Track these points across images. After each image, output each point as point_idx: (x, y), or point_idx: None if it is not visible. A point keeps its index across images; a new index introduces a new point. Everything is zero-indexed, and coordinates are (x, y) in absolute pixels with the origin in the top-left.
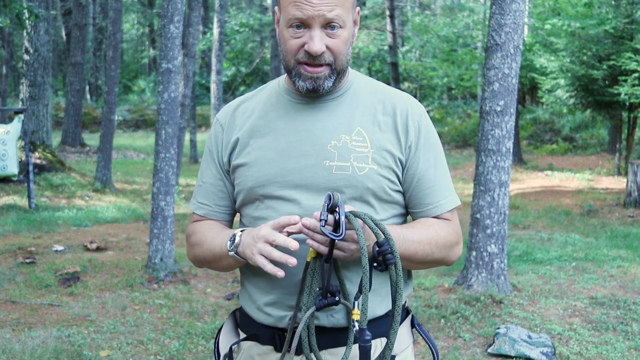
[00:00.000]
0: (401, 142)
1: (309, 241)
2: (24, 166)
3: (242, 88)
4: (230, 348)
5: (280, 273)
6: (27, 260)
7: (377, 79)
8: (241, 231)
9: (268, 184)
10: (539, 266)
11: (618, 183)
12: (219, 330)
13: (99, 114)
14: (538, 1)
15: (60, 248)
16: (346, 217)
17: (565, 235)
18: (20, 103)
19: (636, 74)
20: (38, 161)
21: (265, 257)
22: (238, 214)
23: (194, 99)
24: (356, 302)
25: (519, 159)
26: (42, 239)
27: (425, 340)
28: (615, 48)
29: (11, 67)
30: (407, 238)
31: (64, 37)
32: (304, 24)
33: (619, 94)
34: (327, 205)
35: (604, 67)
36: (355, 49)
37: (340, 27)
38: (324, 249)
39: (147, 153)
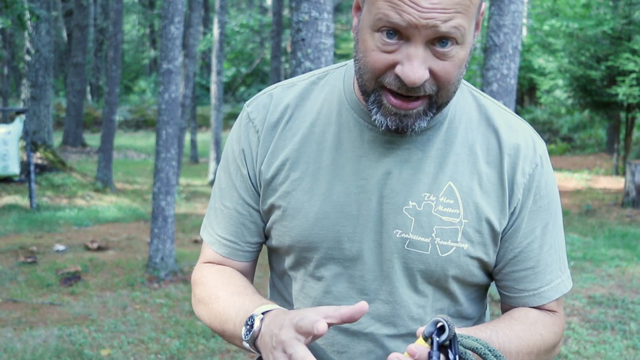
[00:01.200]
0: (504, 205)
1: None
2: (25, 166)
3: (242, 88)
4: None
5: None
6: (29, 260)
7: None
8: (262, 315)
9: (313, 248)
10: None
11: (616, 183)
12: None
13: (100, 114)
14: (537, 2)
15: (61, 248)
16: (460, 356)
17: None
18: (22, 103)
19: (634, 75)
20: (39, 161)
21: None
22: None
23: (194, 100)
24: None
25: None
26: (44, 239)
27: None
28: (613, 49)
29: (12, 67)
30: (505, 348)
31: (65, 37)
32: (400, 33)
33: (617, 95)
34: (438, 341)
35: (602, 67)
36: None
37: (457, 43)
38: None
39: (148, 153)
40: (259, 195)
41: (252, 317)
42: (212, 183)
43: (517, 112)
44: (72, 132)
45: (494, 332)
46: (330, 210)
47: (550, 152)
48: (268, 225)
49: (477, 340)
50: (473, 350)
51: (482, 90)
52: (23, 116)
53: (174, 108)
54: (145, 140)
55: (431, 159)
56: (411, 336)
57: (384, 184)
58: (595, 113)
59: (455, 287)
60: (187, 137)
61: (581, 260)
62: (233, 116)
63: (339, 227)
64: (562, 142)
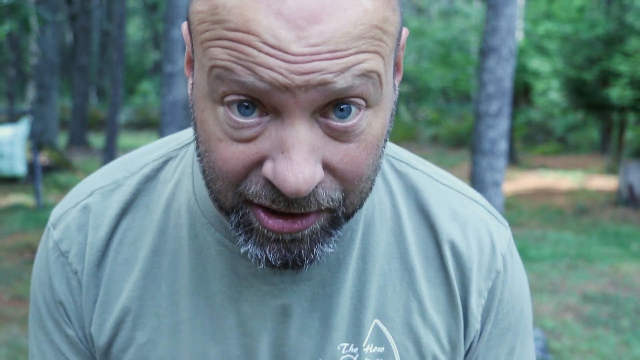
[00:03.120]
0: (460, 342)
1: None
2: (31, 166)
3: None
4: None
5: None
6: (34, 258)
7: None
8: None
9: None
10: (532, 263)
11: (609, 183)
12: None
13: (105, 116)
14: (531, 5)
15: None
16: None
17: (557, 234)
18: (29, 105)
19: (626, 77)
20: (45, 161)
21: None
22: None
23: None
24: None
25: (512, 160)
26: None
27: None
28: (606, 51)
29: (19, 70)
30: None
31: (71, 40)
32: (261, 104)
33: (610, 96)
34: None
35: (596, 70)
36: None
37: (368, 105)
38: None
39: None
40: None
41: None
42: None
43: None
44: (77, 133)
45: None
46: None
47: (545, 153)
48: None
49: None
50: None
51: (478, 92)
52: (29, 117)
53: (176, 110)
54: (148, 141)
55: (345, 290)
56: None
57: (278, 339)
58: (589, 114)
59: None
60: None
61: (575, 259)
62: None
63: None
64: (556, 143)
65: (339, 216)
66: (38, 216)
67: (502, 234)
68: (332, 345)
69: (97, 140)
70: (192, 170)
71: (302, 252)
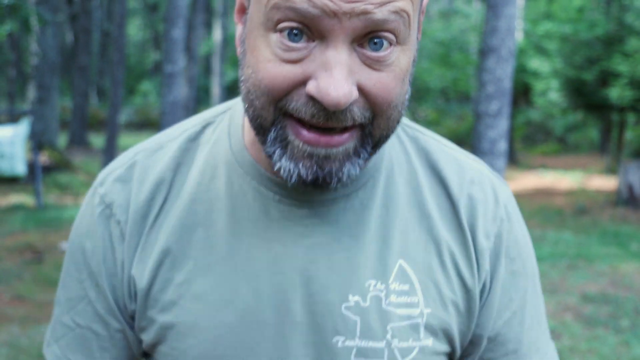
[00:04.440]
0: (470, 275)
1: None
2: (31, 166)
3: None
4: None
5: None
6: (35, 258)
7: None
8: None
9: None
10: None
11: (609, 183)
12: None
13: (105, 116)
14: (531, 5)
15: (67, 246)
16: None
17: (557, 234)
18: (29, 105)
19: (625, 77)
20: (45, 161)
21: None
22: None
23: (196, 102)
24: None
25: (512, 160)
26: (49, 237)
27: None
28: (605, 51)
29: (19, 70)
30: None
31: (71, 41)
32: (310, 31)
33: (609, 96)
34: None
35: (595, 70)
36: None
37: (398, 42)
38: None
39: None
40: (128, 310)
41: None
42: None
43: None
44: (78, 133)
45: None
46: (236, 321)
47: (545, 153)
48: (148, 349)
49: None
50: None
51: (478, 92)
52: (30, 117)
53: (176, 110)
54: None
55: (370, 232)
56: None
57: (309, 276)
58: (588, 114)
59: None
60: None
61: (575, 258)
62: None
63: (252, 344)
64: (556, 143)
65: (368, 136)
66: (38, 216)
67: (504, 188)
68: (360, 282)
69: (97, 140)
70: (229, 130)
71: (333, 169)
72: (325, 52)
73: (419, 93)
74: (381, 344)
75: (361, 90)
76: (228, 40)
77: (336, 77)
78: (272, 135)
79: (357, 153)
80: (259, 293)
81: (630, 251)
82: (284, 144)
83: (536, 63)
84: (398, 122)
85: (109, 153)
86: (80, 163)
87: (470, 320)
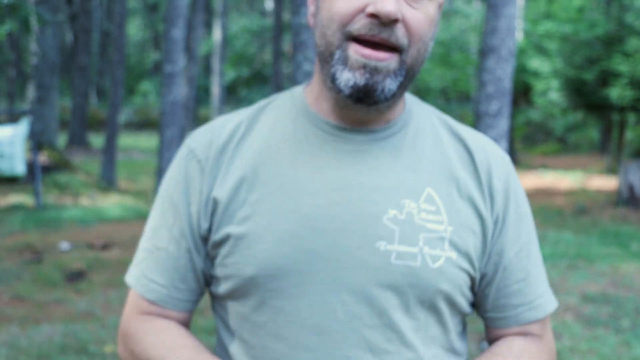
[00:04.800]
0: (486, 211)
1: None
2: (31, 166)
3: (243, 91)
4: None
5: None
6: (34, 258)
7: None
8: None
9: (282, 274)
10: None
11: (609, 183)
12: None
13: (105, 116)
14: (531, 5)
15: (66, 246)
16: None
17: (557, 234)
18: (29, 105)
19: (626, 77)
20: (45, 161)
21: None
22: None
23: (196, 102)
24: None
25: (512, 160)
26: (49, 237)
27: None
28: (606, 51)
29: (19, 70)
30: None
31: (71, 41)
32: None
33: (610, 96)
34: None
35: (595, 70)
36: None
37: None
38: None
39: (151, 153)
40: (200, 230)
41: None
42: None
43: (512, 114)
44: (77, 133)
45: None
46: (299, 228)
47: (545, 153)
48: (220, 260)
49: None
50: None
51: (478, 92)
52: (29, 117)
53: (176, 110)
54: (148, 140)
55: (403, 165)
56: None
57: (357, 194)
58: (589, 114)
59: (444, 308)
60: None
61: (575, 259)
62: None
63: (312, 246)
64: (556, 143)
65: (403, 62)
66: (38, 216)
67: (505, 155)
68: (397, 200)
69: (97, 140)
70: (291, 97)
71: (379, 80)
72: None
73: (419, 93)
74: (415, 250)
75: (403, 20)
76: (228, 40)
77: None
78: (337, 56)
79: (395, 73)
80: (317, 206)
81: (630, 251)
82: (345, 60)
83: (536, 63)
84: (423, 60)
85: (109, 153)
86: (80, 163)
87: (484, 245)
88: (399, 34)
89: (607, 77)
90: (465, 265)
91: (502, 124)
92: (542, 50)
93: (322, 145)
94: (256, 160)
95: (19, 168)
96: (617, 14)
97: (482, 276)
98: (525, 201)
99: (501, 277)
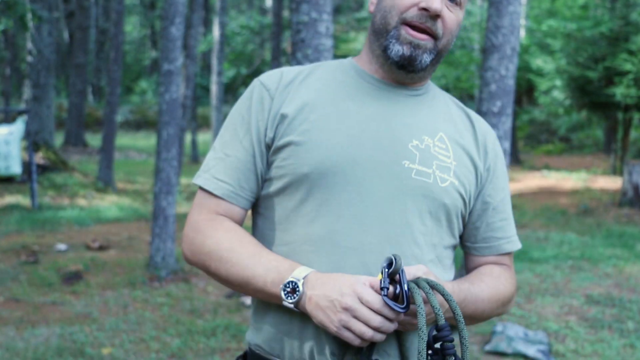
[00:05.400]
0: (481, 163)
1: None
2: (27, 166)
3: (242, 89)
4: None
5: (357, 342)
6: (30, 259)
7: None
8: (303, 279)
9: (330, 174)
10: (536, 265)
11: (613, 183)
12: None
13: (102, 115)
14: (535, 3)
15: (63, 247)
16: (409, 287)
17: (561, 235)
18: (24, 104)
19: (631, 75)
20: (41, 161)
21: (355, 333)
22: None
23: (195, 100)
24: None
25: (515, 159)
26: (45, 238)
27: None
28: (610, 49)
29: (14, 68)
30: (478, 297)
31: (67, 38)
32: None
33: (615, 95)
34: (388, 272)
35: (600, 68)
36: (353, 51)
37: (460, 5)
38: (388, 327)
39: (149, 153)
40: (265, 147)
41: (293, 282)
42: None
43: (515, 113)
44: (74, 133)
45: (470, 283)
46: (346, 141)
47: (548, 152)
48: (278, 162)
49: (428, 281)
50: (418, 285)
51: (481, 90)
52: (25, 116)
53: (174, 108)
54: (146, 140)
55: (424, 114)
56: (414, 260)
57: (392, 125)
58: (593, 113)
59: (444, 221)
60: (188, 137)
61: (579, 260)
62: None
63: (354, 156)
64: (560, 142)
65: (436, 46)
66: (34, 217)
67: (492, 130)
68: (419, 135)
69: (93, 139)
70: (342, 61)
71: (419, 53)
72: None
73: None
74: (429, 171)
75: (442, 17)
76: (226, 38)
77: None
78: (392, 33)
79: (430, 51)
80: (361, 129)
81: (635, 252)
82: (398, 36)
83: (540, 61)
84: (448, 49)
85: (106, 153)
86: (77, 163)
87: (477, 186)
88: (438, 26)
89: (611, 76)
90: (463, 192)
91: (505, 123)
92: (545, 48)
93: (367, 91)
94: (317, 93)
95: (15, 168)
96: (622, 11)
97: (474, 212)
98: (505, 169)
99: (491, 215)
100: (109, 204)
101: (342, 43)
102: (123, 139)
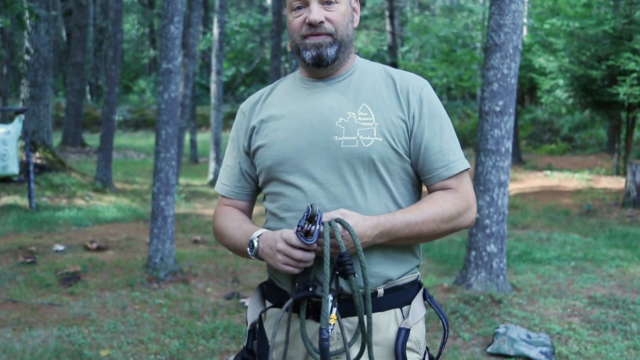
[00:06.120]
0: (404, 114)
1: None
2: (24, 166)
3: (242, 88)
4: (260, 315)
5: (297, 271)
6: (28, 260)
7: None
8: (257, 237)
9: (285, 162)
10: (538, 266)
11: (617, 183)
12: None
13: (100, 114)
14: (537, 1)
15: (60, 248)
16: (321, 225)
17: (564, 235)
18: (21, 103)
19: (635, 74)
20: (39, 161)
21: (290, 265)
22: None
23: (194, 99)
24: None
25: (518, 159)
26: (43, 239)
27: (436, 311)
28: (614, 48)
29: (12, 67)
30: (410, 222)
31: (65, 37)
32: (302, 4)
33: (618, 94)
34: (306, 215)
35: (603, 67)
36: (355, 49)
37: (336, 2)
38: (309, 257)
39: (148, 153)
40: (246, 154)
41: (251, 241)
42: (211, 183)
43: (517, 112)
44: (72, 132)
45: (402, 212)
46: (292, 135)
47: (551, 152)
48: (256, 162)
49: (338, 221)
50: (342, 224)
51: (483, 89)
52: (22, 116)
53: (173, 108)
54: (144, 140)
55: (349, 93)
56: (356, 208)
57: (322, 111)
58: (596, 113)
59: (383, 172)
60: (187, 137)
61: (582, 261)
62: (233, 116)
63: (299, 143)
64: (562, 142)
65: (335, 39)
66: (31, 217)
67: (422, 80)
68: (343, 112)
69: (91, 139)
70: (294, 73)
71: (322, 51)
72: (309, 7)
73: None
74: (354, 138)
75: (326, 18)
76: (226, 37)
77: (314, 12)
78: (301, 47)
79: (331, 45)
80: (300, 122)
81: (638, 253)
82: (304, 46)
83: (542, 60)
84: (349, 34)
85: (104, 152)
86: (74, 163)
87: (407, 130)
88: (326, 26)
89: (615, 75)
90: (390, 143)
91: (507, 122)
92: (548, 47)
93: (303, 91)
94: (273, 106)
95: (12, 168)
96: (625, 10)
97: (414, 152)
98: (438, 106)
99: (424, 152)
100: (107, 204)
101: None
102: (121, 139)
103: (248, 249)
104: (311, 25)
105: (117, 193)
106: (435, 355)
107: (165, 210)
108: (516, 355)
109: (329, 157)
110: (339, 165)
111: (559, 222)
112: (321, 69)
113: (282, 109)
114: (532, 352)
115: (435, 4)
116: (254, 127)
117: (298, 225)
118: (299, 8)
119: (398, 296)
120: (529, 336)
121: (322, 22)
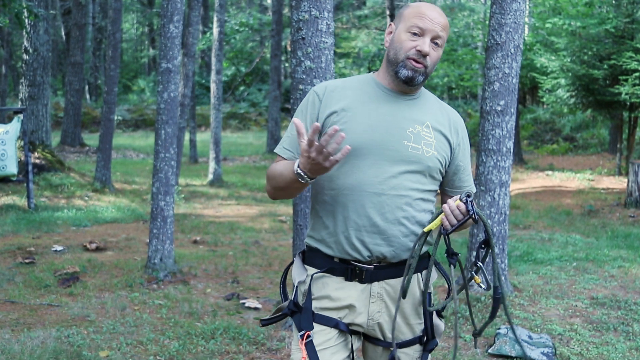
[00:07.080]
0: (453, 140)
1: (449, 217)
2: (23, 166)
3: (242, 88)
4: (312, 276)
5: (328, 164)
6: (27, 261)
7: None
8: (297, 166)
9: (358, 148)
10: (540, 266)
11: (619, 183)
12: (286, 271)
13: (99, 114)
14: (539, 0)
15: (59, 248)
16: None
17: (565, 236)
18: (20, 103)
19: (637, 74)
20: (37, 161)
21: (328, 156)
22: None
23: (193, 99)
24: (479, 267)
25: (519, 159)
26: (42, 239)
27: (443, 275)
28: (616, 47)
29: (10, 66)
30: None
31: (64, 36)
32: (420, 33)
33: (620, 94)
34: (468, 199)
35: (605, 66)
36: (355, 48)
37: (440, 46)
38: (454, 222)
39: (147, 153)
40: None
41: (295, 164)
42: (211, 183)
43: (518, 112)
44: (71, 132)
45: None
46: (368, 128)
47: (553, 152)
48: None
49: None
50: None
51: (484, 89)
52: (21, 116)
53: (173, 107)
54: (144, 139)
55: (418, 111)
56: (405, 194)
57: (396, 118)
58: (598, 112)
59: (428, 176)
60: (187, 136)
61: (584, 261)
62: (232, 115)
63: (374, 137)
64: (564, 142)
65: (425, 72)
66: (30, 217)
67: (460, 117)
68: (412, 124)
69: (91, 139)
70: (364, 76)
71: (416, 75)
72: (424, 39)
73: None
74: (419, 146)
75: (429, 54)
76: (226, 36)
77: (427, 45)
78: (401, 64)
79: (422, 74)
80: (378, 121)
81: None
82: (405, 65)
83: (544, 59)
84: (432, 71)
85: (104, 152)
86: (73, 163)
87: (451, 153)
88: (427, 60)
89: (617, 74)
90: (440, 158)
91: (509, 122)
92: (550, 46)
93: (381, 97)
94: (350, 99)
95: (11, 168)
96: (627, 9)
97: (451, 170)
98: (468, 144)
99: (461, 172)
100: (106, 204)
101: (342, 41)
102: (121, 139)
103: (295, 166)
104: (420, 53)
105: (117, 193)
106: (440, 308)
107: (164, 211)
108: (518, 356)
109: (397, 155)
110: (402, 164)
111: (560, 222)
112: (405, 86)
113: (362, 104)
114: (534, 353)
115: (436, 3)
116: (331, 113)
117: (463, 198)
118: (415, 34)
119: (423, 263)
120: (530, 337)
121: (427, 55)
